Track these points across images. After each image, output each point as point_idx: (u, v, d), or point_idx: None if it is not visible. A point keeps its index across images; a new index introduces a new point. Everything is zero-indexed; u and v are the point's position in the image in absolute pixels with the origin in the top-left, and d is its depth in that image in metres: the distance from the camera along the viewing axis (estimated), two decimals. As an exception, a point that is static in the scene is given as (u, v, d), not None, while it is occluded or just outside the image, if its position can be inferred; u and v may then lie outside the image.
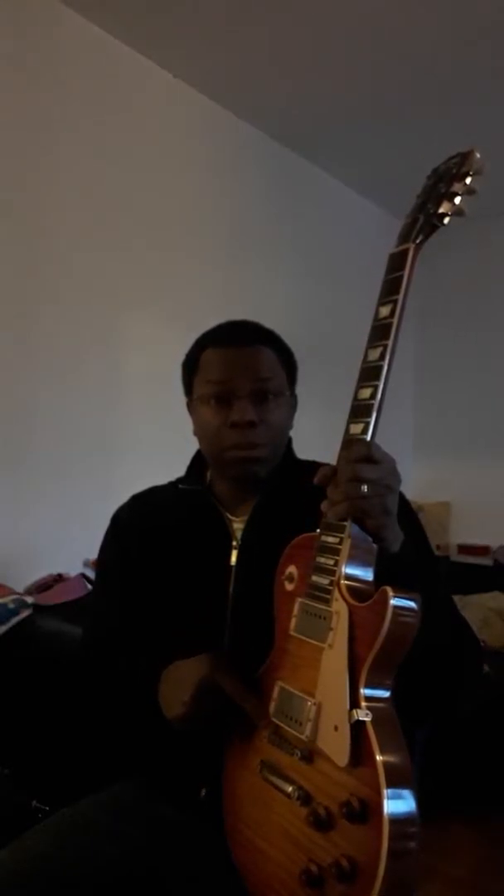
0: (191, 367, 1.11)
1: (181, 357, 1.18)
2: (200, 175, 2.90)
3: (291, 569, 0.91)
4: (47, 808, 1.54)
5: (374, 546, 0.82)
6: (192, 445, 1.17)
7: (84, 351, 2.41)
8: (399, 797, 0.70)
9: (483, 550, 3.67)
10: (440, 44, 2.52)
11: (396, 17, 2.39)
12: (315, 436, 1.32)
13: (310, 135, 3.19)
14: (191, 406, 1.13)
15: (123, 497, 1.21)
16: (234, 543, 1.06)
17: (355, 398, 0.85)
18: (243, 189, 3.10)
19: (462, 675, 0.95)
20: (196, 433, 1.11)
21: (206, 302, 2.72)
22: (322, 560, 0.83)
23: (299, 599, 0.87)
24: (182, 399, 1.17)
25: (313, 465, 0.97)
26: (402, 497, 1.03)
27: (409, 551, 0.87)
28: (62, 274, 2.35)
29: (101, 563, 1.19)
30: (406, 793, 0.71)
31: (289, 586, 0.90)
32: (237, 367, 1.05)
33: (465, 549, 3.74)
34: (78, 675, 1.13)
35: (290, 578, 0.91)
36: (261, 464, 1.05)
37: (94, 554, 1.96)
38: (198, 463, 1.17)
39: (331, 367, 2.57)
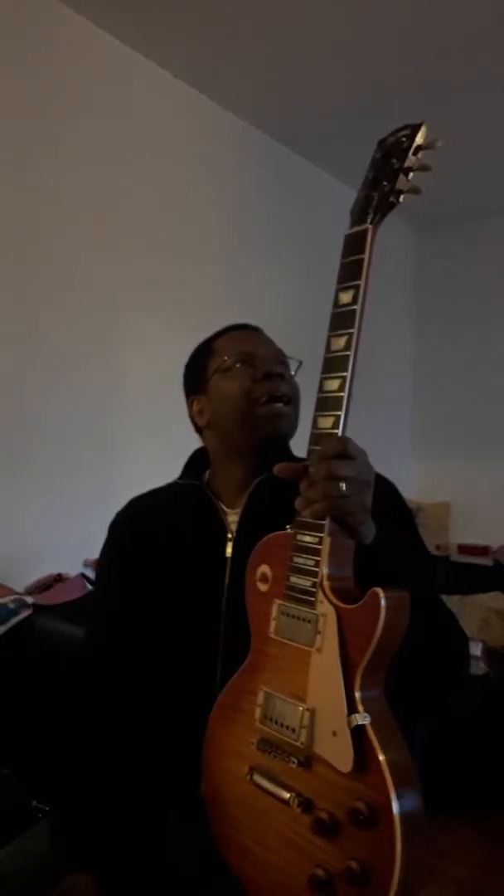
0: (203, 355, 1.13)
1: (181, 357, 1.18)
2: (200, 175, 2.89)
3: (264, 569, 0.87)
4: (47, 808, 1.54)
5: (351, 542, 0.80)
6: (192, 446, 1.18)
7: (84, 351, 2.41)
8: (406, 796, 0.70)
9: (483, 550, 3.66)
10: (440, 42, 2.51)
11: (395, 16, 2.39)
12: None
13: (309, 134, 3.19)
14: (200, 399, 1.13)
15: (123, 497, 1.21)
16: (230, 535, 1.07)
17: (321, 390, 0.81)
18: (243, 188, 3.09)
19: (450, 666, 0.94)
20: (214, 414, 1.10)
21: (207, 302, 2.73)
22: (300, 560, 0.80)
23: (277, 601, 0.83)
24: (182, 400, 1.17)
25: None
26: (393, 489, 1.03)
27: (385, 540, 0.85)
28: (62, 275, 2.35)
29: (99, 571, 1.20)
30: (411, 790, 0.70)
31: (263, 587, 0.86)
32: (257, 339, 1.13)
33: (465, 549, 3.73)
34: (78, 685, 1.13)
35: (264, 579, 0.86)
36: (289, 422, 1.07)
37: (94, 554, 1.95)
38: (194, 461, 1.18)
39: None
